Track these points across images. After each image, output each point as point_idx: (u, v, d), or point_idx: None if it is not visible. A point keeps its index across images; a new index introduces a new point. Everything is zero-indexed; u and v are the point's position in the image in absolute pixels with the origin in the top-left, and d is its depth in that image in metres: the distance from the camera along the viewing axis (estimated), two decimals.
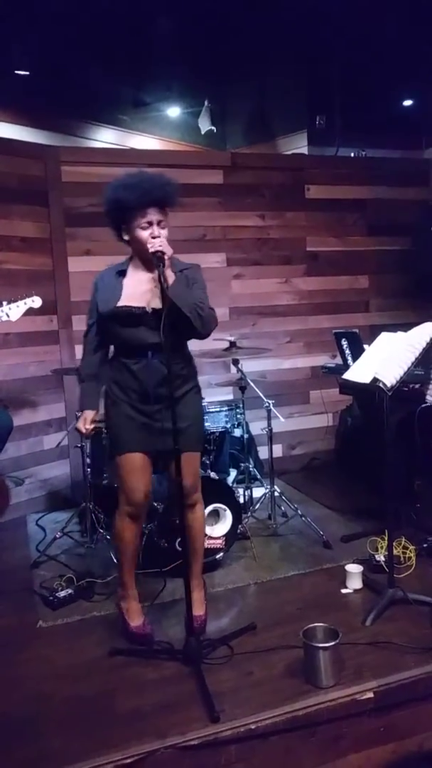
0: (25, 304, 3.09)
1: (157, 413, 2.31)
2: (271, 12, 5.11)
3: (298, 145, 6.60)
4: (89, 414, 2.48)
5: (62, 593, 2.73)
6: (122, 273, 2.38)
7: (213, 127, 7.03)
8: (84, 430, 2.48)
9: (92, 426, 2.49)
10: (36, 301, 3.13)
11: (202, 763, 1.92)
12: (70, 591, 2.75)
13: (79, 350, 4.03)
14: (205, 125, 7.04)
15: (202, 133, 7.16)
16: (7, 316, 3.04)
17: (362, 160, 5.39)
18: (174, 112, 7.35)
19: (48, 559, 3.17)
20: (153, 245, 2.20)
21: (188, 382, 2.41)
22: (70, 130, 6.68)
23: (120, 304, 2.31)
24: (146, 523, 2.75)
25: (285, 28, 5.41)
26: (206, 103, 6.97)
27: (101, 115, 6.93)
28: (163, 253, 2.20)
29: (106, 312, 2.33)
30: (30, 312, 3.14)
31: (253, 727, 1.96)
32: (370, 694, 2.08)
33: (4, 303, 3.05)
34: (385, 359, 2.55)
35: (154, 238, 2.22)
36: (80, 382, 2.58)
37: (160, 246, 2.19)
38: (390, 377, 2.45)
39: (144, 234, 2.24)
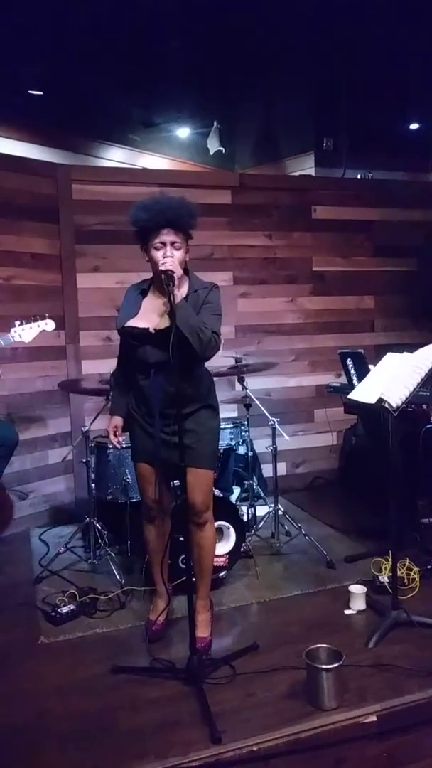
0: (39, 326, 3.12)
1: (163, 428, 2.36)
2: (281, 34, 5.20)
3: (306, 166, 6.69)
4: (117, 420, 2.57)
5: (64, 609, 2.72)
6: (143, 292, 2.45)
7: (222, 148, 7.13)
8: (115, 443, 2.60)
9: (122, 438, 2.60)
10: (49, 324, 3.16)
11: None
12: (72, 607, 2.74)
13: (86, 365, 4.11)
14: (213, 146, 7.14)
15: (211, 153, 7.26)
16: (20, 337, 3.07)
17: (369, 181, 5.46)
18: (183, 132, 7.47)
19: (51, 574, 3.16)
20: (163, 264, 2.24)
21: (197, 401, 2.43)
22: (81, 149, 6.79)
23: (127, 324, 2.37)
24: None
25: (294, 51, 5.51)
26: (215, 124, 7.09)
27: (112, 134, 7.05)
28: (171, 272, 2.24)
29: (117, 329, 2.43)
30: (42, 333, 3.16)
31: (255, 749, 1.94)
32: (373, 718, 2.06)
33: (17, 324, 3.08)
34: (391, 380, 2.56)
35: (165, 257, 2.27)
36: (111, 389, 2.69)
37: (170, 265, 2.23)
38: (395, 398, 2.46)
39: (157, 254, 2.30)
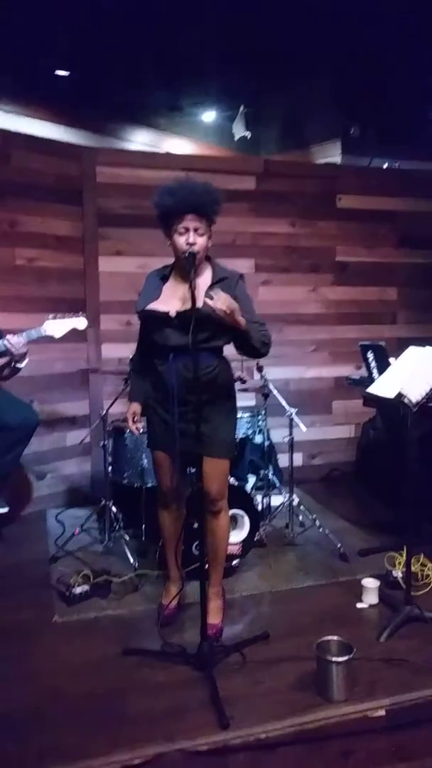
0: (71, 323, 3.12)
1: (180, 415, 2.36)
2: (309, 18, 5.10)
3: (332, 153, 6.59)
4: (136, 407, 2.59)
5: (78, 590, 2.76)
6: (164, 278, 2.45)
7: (247, 133, 7.04)
8: (133, 429, 2.61)
9: (141, 424, 2.61)
10: (81, 322, 3.15)
11: None
12: (86, 588, 2.78)
13: (105, 349, 4.12)
14: (239, 130, 7.06)
15: (236, 138, 7.18)
16: (52, 332, 3.07)
17: (395, 171, 5.37)
18: (209, 116, 7.38)
19: (66, 554, 3.20)
20: (215, 307, 2.20)
21: (215, 388, 2.41)
22: (106, 130, 6.76)
23: (148, 306, 2.36)
24: None
25: (323, 36, 5.40)
26: (241, 108, 6.99)
27: (137, 116, 7.00)
28: (193, 255, 2.23)
29: (137, 312, 2.43)
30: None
31: (262, 736, 1.96)
32: (382, 712, 2.06)
33: (50, 317, 3.08)
34: (411, 374, 2.53)
35: (189, 244, 2.25)
36: (129, 375, 2.70)
37: (223, 307, 2.18)
38: (415, 393, 2.43)
39: (180, 239, 2.29)
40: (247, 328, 2.29)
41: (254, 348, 2.36)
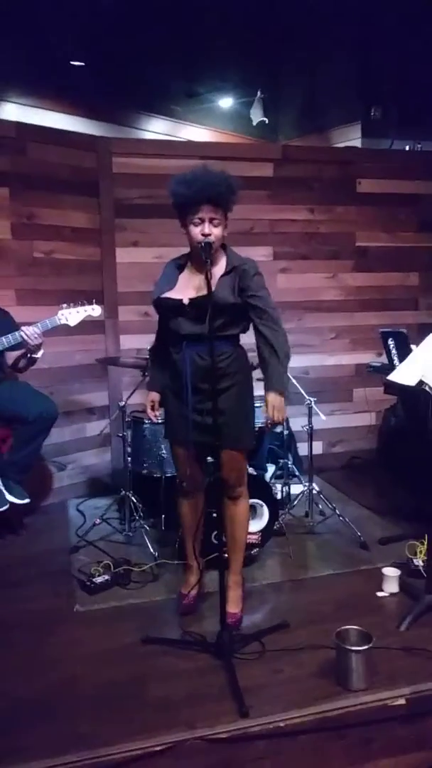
0: (85, 311, 3.16)
1: (195, 405, 2.36)
2: (328, 1, 5.01)
3: (352, 137, 6.48)
4: (154, 396, 2.60)
5: (99, 579, 2.79)
6: (180, 267, 2.45)
7: (265, 118, 6.97)
8: (152, 417, 2.63)
9: (159, 412, 2.62)
10: (96, 310, 3.19)
11: (230, 756, 1.93)
12: (107, 577, 2.81)
13: (123, 340, 4.13)
14: (257, 116, 6.98)
15: (254, 124, 7.11)
16: (66, 320, 3.10)
17: (416, 153, 5.26)
18: (226, 102, 7.32)
19: (87, 544, 3.24)
20: (270, 423, 2.34)
21: (230, 376, 2.40)
22: (122, 120, 6.75)
23: (162, 295, 2.36)
24: None
25: (340, 16, 5.30)
26: (259, 93, 6.91)
27: (154, 105, 6.97)
28: (209, 244, 2.21)
29: (152, 301, 2.43)
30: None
31: (282, 724, 1.96)
32: (402, 701, 2.05)
33: (64, 306, 3.11)
34: None
35: (204, 235, 2.24)
36: (148, 365, 2.71)
37: (272, 421, 2.33)
38: None
39: (195, 230, 2.27)
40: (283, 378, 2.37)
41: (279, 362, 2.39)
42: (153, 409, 2.62)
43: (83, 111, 6.24)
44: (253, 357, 2.57)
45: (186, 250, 2.47)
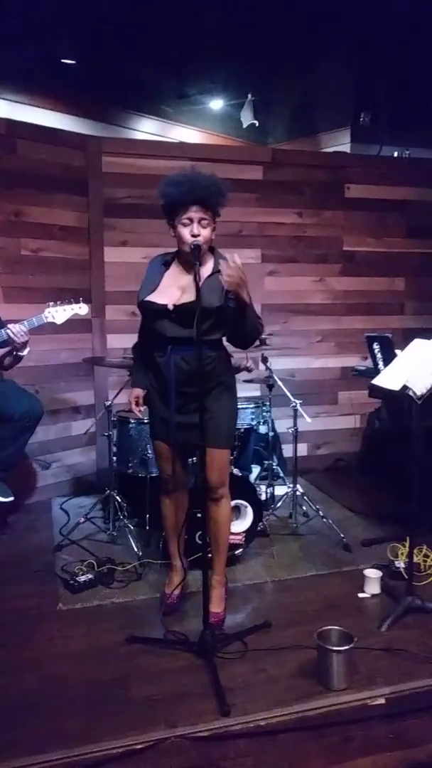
0: (72, 309, 3.15)
1: (180, 406, 2.38)
2: (318, 3, 5.04)
3: (341, 141, 6.52)
4: (138, 392, 2.60)
5: (83, 578, 2.79)
6: (167, 264, 2.44)
7: (255, 121, 6.99)
8: (136, 412, 2.62)
9: (143, 407, 2.62)
10: (83, 309, 3.18)
11: (211, 754, 1.94)
12: (90, 576, 2.81)
13: (111, 339, 4.13)
14: (247, 119, 7.01)
15: (244, 126, 7.13)
16: (53, 318, 3.10)
17: (405, 160, 5.32)
18: (217, 104, 7.34)
19: (70, 543, 3.23)
20: (225, 275, 2.19)
21: (214, 379, 2.41)
22: (112, 120, 6.74)
23: (147, 298, 2.37)
24: None
25: (331, 22, 5.34)
26: (249, 96, 6.94)
27: (144, 105, 6.97)
28: (198, 246, 2.23)
29: (138, 302, 2.42)
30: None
31: (262, 723, 1.98)
32: (382, 700, 2.08)
33: (51, 304, 3.11)
34: (417, 367, 2.52)
35: (193, 235, 2.25)
36: (134, 362, 2.72)
37: (231, 280, 2.16)
38: (420, 386, 2.43)
39: (183, 231, 2.29)
40: (250, 313, 2.27)
41: (246, 336, 2.34)
42: (137, 404, 2.62)
43: (74, 109, 6.22)
44: (241, 358, 2.60)
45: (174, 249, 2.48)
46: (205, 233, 2.29)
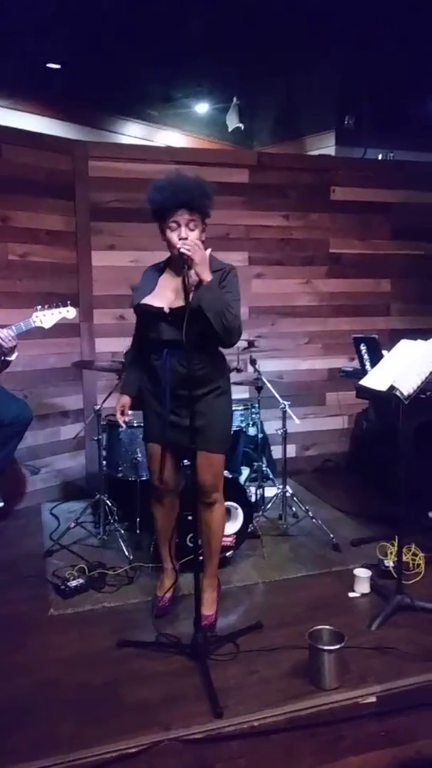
0: (60, 313, 3.15)
1: (174, 409, 2.39)
2: (302, 8, 5.07)
3: (326, 144, 6.56)
4: (126, 399, 2.60)
5: (74, 583, 2.79)
6: (161, 270, 2.47)
7: (240, 124, 7.01)
8: (121, 422, 2.62)
9: (129, 417, 2.63)
10: (70, 312, 3.18)
11: (204, 756, 1.96)
12: (81, 581, 2.81)
13: (99, 343, 4.13)
14: (232, 122, 7.02)
15: (230, 130, 7.15)
16: (41, 322, 3.09)
17: (389, 162, 5.36)
18: (202, 108, 7.35)
19: (61, 548, 3.23)
20: (181, 247, 2.24)
21: (209, 383, 2.43)
22: (98, 124, 6.72)
23: (142, 301, 2.38)
24: None
25: (315, 26, 5.37)
26: (234, 99, 6.96)
27: (130, 109, 6.96)
28: (188, 256, 2.23)
29: (132, 306, 2.44)
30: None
31: (255, 724, 1.99)
32: (373, 699, 2.10)
33: (38, 308, 3.10)
34: (404, 367, 2.55)
35: (181, 239, 2.26)
36: (124, 367, 2.71)
37: (187, 250, 2.22)
38: (407, 386, 2.45)
39: (172, 234, 2.30)
40: (208, 294, 2.24)
41: (220, 327, 2.26)
42: (123, 414, 2.61)
43: (59, 114, 6.21)
44: (231, 360, 2.61)
45: (162, 254, 2.50)
46: (193, 235, 2.30)
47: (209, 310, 2.24)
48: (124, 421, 2.63)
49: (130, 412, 2.63)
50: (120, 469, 3.37)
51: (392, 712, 2.11)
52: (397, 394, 2.47)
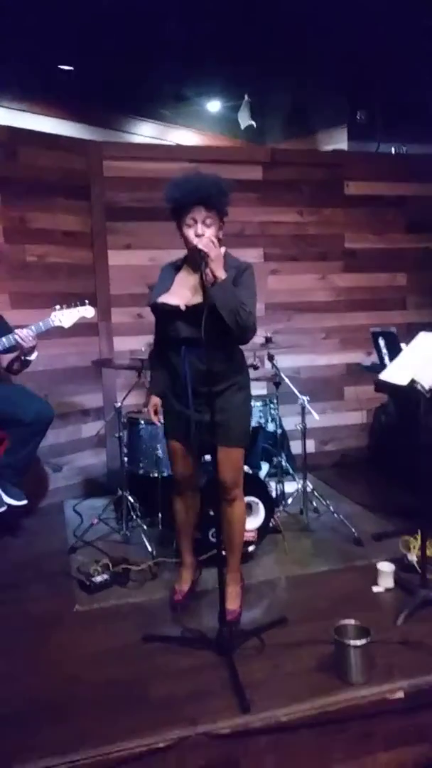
0: (79, 312, 3.17)
1: (195, 405, 2.40)
2: (314, 4, 5.05)
3: (338, 140, 6.53)
4: (156, 401, 2.61)
5: (98, 578, 2.80)
6: (177, 268, 2.48)
7: (252, 122, 7.00)
8: (156, 421, 2.64)
9: (160, 415, 2.64)
10: (89, 311, 3.20)
11: (232, 751, 1.96)
12: (105, 576, 2.82)
13: (117, 342, 4.16)
14: (244, 120, 7.01)
15: (242, 127, 7.14)
16: (60, 321, 3.12)
17: (402, 156, 5.33)
18: (214, 106, 7.34)
19: (85, 544, 3.25)
20: (198, 243, 2.25)
21: (227, 379, 2.44)
22: (111, 124, 6.75)
23: (158, 300, 2.38)
24: None
25: (326, 22, 5.35)
26: (246, 97, 6.95)
27: (142, 109, 6.97)
28: (205, 253, 2.24)
29: (150, 305, 2.45)
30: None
31: (283, 719, 1.99)
32: (401, 694, 2.09)
33: (57, 308, 3.13)
34: (424, 361, 2.53)
35: (197, 236, 2.27)
36: (151, 369, 2.72)
37: (204, 246, 2.24)
38: (428, 379, 2.44)
39: (189, 231, 2.31)
40: (222, 292, 2.24)
41: (234, 324, 2.27)
42: (155, 413, 2.63)
43: (72, 115, 6.24)
44: (248, 356, 2.61)
45: (178, 252, 2.50)
46: (209, 232, 2.30)
47: (223, 308, 2.25)
48: (158, 419, 2.64)
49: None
50: (141, 465, 3.39)
51: (421, 707, 2.10)
52: (419, 387, 2.46)
